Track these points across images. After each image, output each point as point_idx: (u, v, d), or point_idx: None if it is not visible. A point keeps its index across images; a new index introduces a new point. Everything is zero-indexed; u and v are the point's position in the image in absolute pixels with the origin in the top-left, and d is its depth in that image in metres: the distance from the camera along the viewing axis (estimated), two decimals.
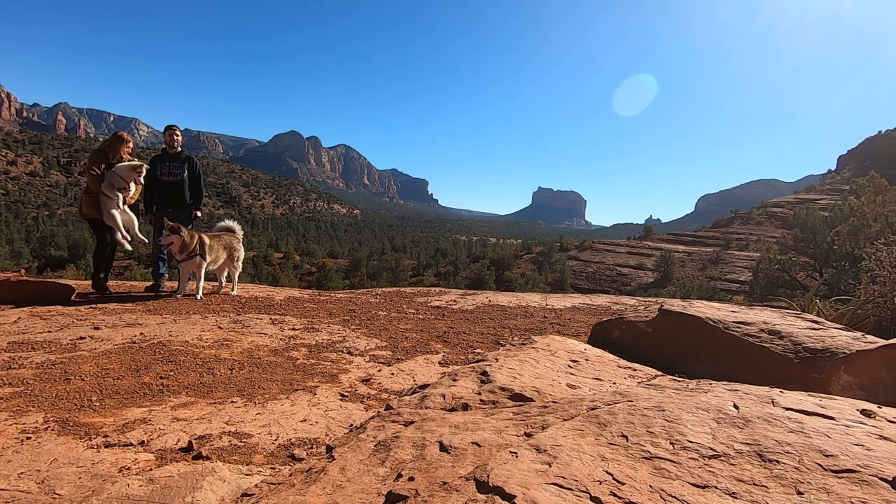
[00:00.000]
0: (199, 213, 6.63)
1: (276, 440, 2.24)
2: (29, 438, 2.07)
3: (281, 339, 4.07)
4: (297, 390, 2.91)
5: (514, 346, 2.25)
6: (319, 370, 3.33)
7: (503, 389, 1.55)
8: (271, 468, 1.96)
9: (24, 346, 3.41)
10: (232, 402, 2.66)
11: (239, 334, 4.14)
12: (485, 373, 1.72)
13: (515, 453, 0.82)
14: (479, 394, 1.44)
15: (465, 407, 1.36)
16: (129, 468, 1.88)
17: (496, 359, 1.86)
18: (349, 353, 3.82)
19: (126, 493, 1.66)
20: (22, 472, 1.79)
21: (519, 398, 1.53)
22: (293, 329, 4.49)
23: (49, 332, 3.85)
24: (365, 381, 3.18)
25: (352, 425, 2.41)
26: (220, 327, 4.32)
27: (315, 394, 2.87)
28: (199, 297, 5.82)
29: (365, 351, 3.92)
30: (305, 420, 2.48)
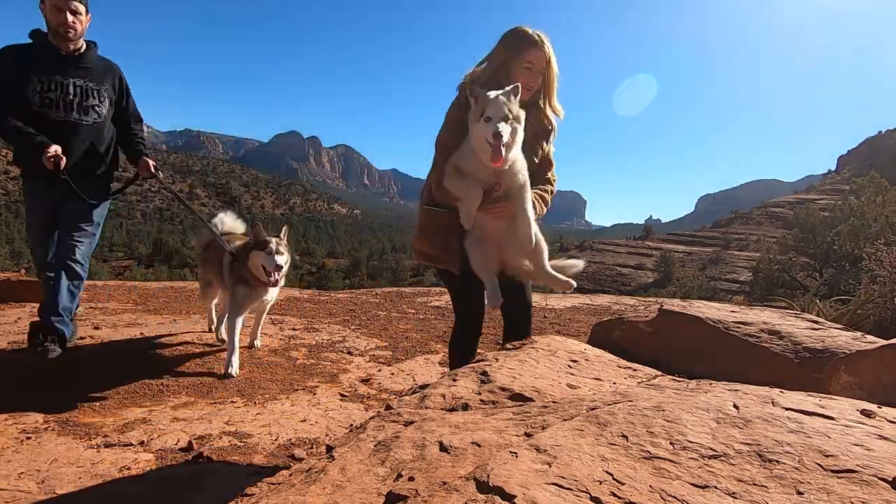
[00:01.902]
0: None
1: (276, 440, 2.24)
2: (29, 438, 2.07)
3: (281, 339, 4.06)
4: (296, 390, 2.91)
5: (513, 346, 2.25)
6: (319, 370, 3.33)
7: (503, 389, 1.55)
8: (271, 468, 1.96)
9: (23, 345, 3.41)
10: (232, 401, 2.66)
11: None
12: (485, 373, 1.72)
13: (515, 453, 0.82)
14: (479, 394, 1.44)
15: (466, 407, 1.35)
16: (129, 468, 1.88)
17: (496, 359, 1.86)
18: (349, 352, 3.82)
19: (126, 493, 1.66)
20: (22, 472, 1.79)
21: (519, 398, 1.53)
22: (293, 329, 4.48)
23: None
24: (365, 381, 3.18)
25: (352, 425, 2.41)
26: None
27: (315, 394, 2.87)
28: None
29: (365, 351, 3.91)
30: (305, 420, 2.48)
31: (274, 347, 3.81)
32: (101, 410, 2.43)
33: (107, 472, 1.83)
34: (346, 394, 2.92)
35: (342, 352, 3.83)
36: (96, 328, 4.02)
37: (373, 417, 1.24)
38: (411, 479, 0.80)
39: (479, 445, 0.97)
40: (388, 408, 1.53)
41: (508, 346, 2.15)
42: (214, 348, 3.64)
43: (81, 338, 3.68)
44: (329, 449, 1.01)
